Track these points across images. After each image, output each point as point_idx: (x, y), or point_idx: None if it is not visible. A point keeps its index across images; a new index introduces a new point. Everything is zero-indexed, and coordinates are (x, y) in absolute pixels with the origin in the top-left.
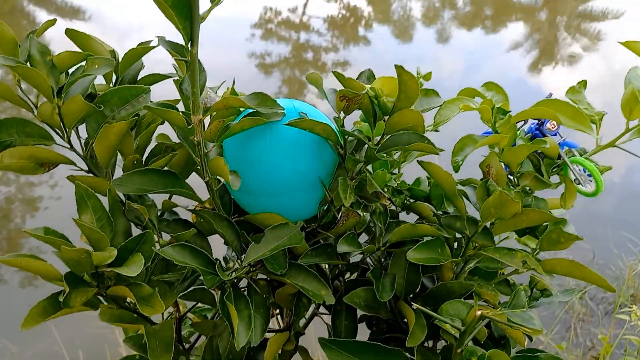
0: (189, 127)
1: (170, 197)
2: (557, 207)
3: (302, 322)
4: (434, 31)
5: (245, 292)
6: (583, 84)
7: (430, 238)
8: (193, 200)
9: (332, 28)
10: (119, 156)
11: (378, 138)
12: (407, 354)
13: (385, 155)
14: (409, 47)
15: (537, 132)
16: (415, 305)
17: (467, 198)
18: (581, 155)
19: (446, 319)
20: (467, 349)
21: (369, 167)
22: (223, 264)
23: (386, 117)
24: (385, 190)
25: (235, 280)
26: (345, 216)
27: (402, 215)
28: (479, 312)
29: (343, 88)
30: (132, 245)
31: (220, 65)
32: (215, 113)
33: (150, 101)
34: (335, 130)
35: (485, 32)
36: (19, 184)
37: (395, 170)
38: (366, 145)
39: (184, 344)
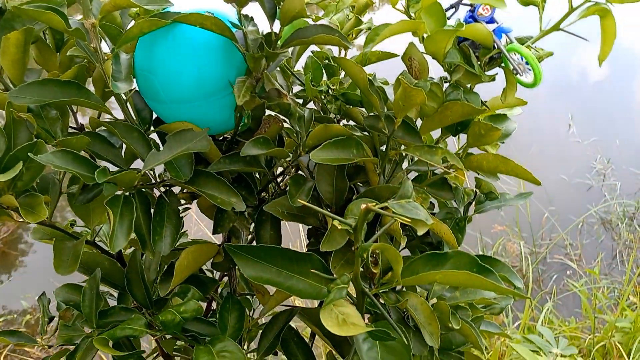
0: (71, 29)
1: (98, 116)
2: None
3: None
4: None
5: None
6: None
7: (341, 137)
8: (101, 111)
9: None
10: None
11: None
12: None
13: (287, 51)
14: None
15: (471, 19)
16: (304, 204)
17: (387, 96)
18: (523, 44)
19: (349, 220)
20: (361, 246)
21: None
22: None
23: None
24: (323, 97)
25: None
26: (266, 123)
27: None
28: (363, 206)
29: None
30: (21, 155)
31: None
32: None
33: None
34: (230, 26)
35: None
36: None
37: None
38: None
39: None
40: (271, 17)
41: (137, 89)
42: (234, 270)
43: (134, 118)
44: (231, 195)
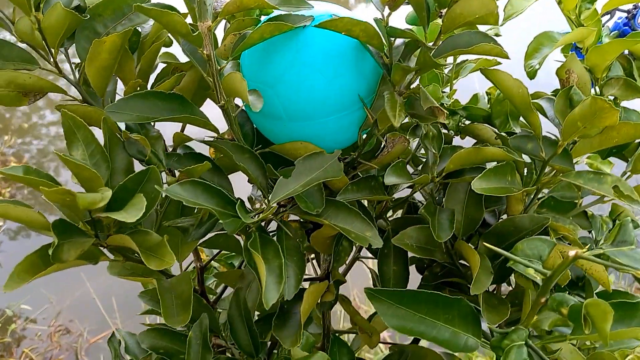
0: (194, 34)
1: (182, 129)
2: None
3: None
4: None
5: (275, 237)
6: None
7: (497, 163)
8: (207, 129)
9: None
10: (121, 84)
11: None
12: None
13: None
14: None
15: (626, 27)
16: (485, 245)
17: (544, 113)
18: None
19: (523, 261)
20: (553, 298)
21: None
22: (248, 204)
23: (443, 11)
24: None
25: (264, 224)
26: (391, 142)
27: (457, 141)
28: (572, 252)
29: None
30: (133, 185)
31: None
32: (229, 25)
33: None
34: (379, 33)
35: None
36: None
37: (447, 88)
38: (417, 51)
39: (209, 295)
40: (427, 21)
41: None
42: None
43: (240, 136)
44: (366, 228)
